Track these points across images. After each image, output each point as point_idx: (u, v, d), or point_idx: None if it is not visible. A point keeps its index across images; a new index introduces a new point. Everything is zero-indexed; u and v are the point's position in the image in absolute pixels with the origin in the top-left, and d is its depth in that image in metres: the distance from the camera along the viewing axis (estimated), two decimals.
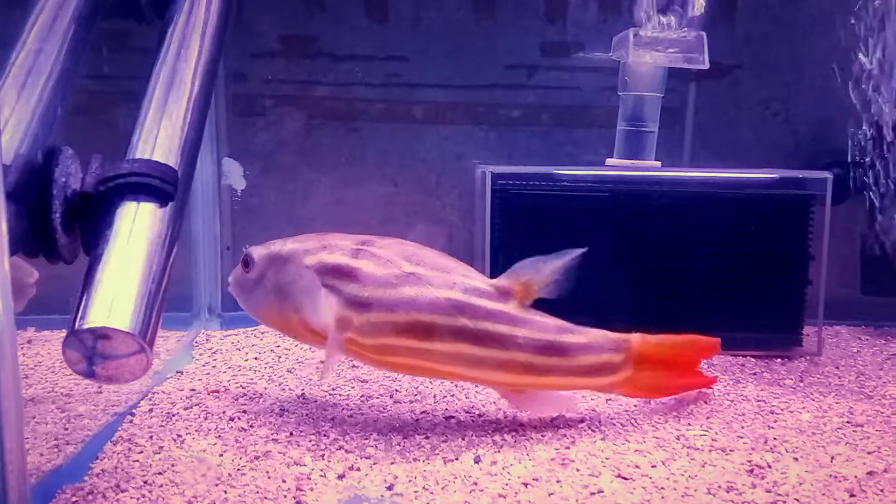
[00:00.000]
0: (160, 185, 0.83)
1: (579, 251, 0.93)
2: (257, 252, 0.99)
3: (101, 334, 0.72)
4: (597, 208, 1.26)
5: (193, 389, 1.10)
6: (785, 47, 1.51)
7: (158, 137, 0.89)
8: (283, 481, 0.82)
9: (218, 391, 1.10)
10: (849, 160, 1.42)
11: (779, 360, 1.27)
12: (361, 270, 0.92)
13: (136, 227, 0.81)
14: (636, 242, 1.26)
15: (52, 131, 0.87)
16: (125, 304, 0.75)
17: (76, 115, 0.98)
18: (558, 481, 0.82)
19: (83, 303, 0.75)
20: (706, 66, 1.27)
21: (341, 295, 0.92)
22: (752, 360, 1.26)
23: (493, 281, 0.94)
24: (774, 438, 0.95)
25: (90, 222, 0.82)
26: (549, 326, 0.94)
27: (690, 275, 1.26)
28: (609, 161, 1.38)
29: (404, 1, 1.52)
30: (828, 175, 1.24)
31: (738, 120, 1.54)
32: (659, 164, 1.36)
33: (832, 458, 0.90)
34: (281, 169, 1.55)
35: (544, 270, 0.93)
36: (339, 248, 0.95)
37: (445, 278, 0.93)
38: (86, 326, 0.72)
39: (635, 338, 0.99)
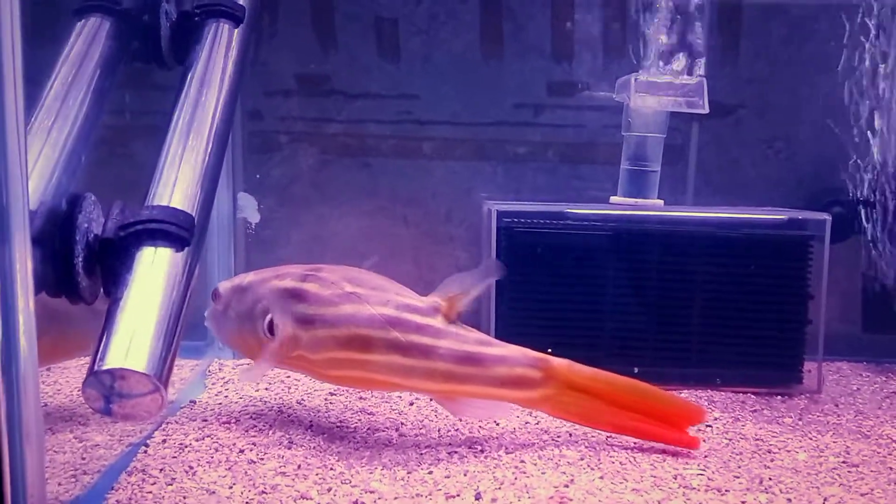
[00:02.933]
0: (177, 232, 0.87)
1: (495, 262, 1.08)
2: (222, 286, 1.13)
3: (119, 375, 0.76)
4: (600, 246, 1.30)
5: (206, 420, 1.14)
6: (787, 88, 1.54)
7: (176, 184, 0.93)
8: None
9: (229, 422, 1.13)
10: (850, 199, 1.44)
11: (779, 396, 1.29)
12: (308, 292, 1.05)
13: (153, 272, 0.85)
14: (638, 279, 1.29)
15: (75, 177, 0.92)
16: (142, 346, 0.79)
17: (96, 148, 1.03)
18: None
19: (102, 345, 0.79)
20: (706, 110, 1.30)
21: (293, 315, 1.04)
22: (753, 396, 1.28)
23: (423, 298, 1.05)
24: (770, 479, 0.97)
25: (110, 266, 0.86)
26: (468, 339, 1.03)
27: (692, 311, 1.29)
28: (613, 199, 1.41)
29: (415, 41, 1.57)
30: (827, 217, 1.27)
31: (740, 158, 1.57)
32: (661, 202, 1.39)
33: (825, 499, 0.91)
34: (294, 202, 1.60)
35: (467, 285, 1.03)
36: (290, 274, 1.08)
37: (381, 296, 1.03)
38: (105, 368, 0.76)
39: (559, 361, 1.03)
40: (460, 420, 1.16)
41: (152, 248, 0.86)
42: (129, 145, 1.48)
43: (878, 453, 1.07)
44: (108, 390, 0.77)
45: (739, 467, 1.00)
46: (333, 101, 1.58)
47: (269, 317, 1.06)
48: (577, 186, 1.60)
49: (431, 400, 1.21)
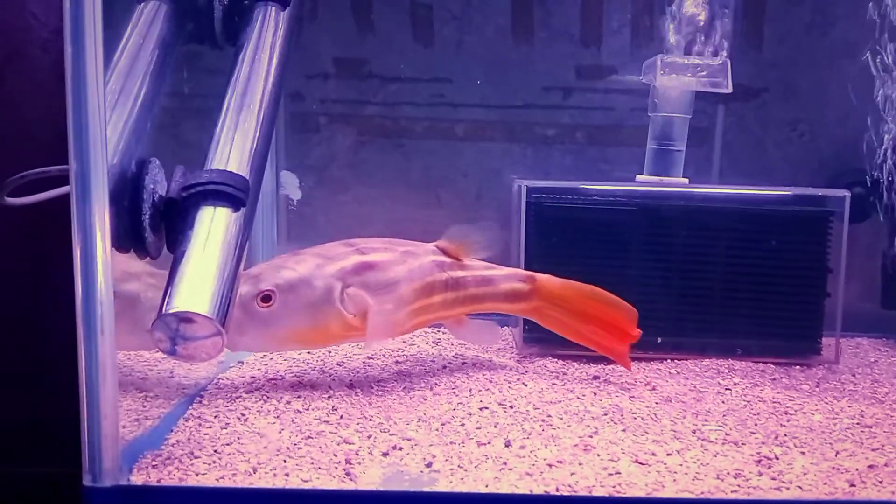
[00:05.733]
0: (234, 192, 0.95)
1: (493, 224, 1.29)
2: (269, 287, 1.09)
3: (185, 318, 0.84)
4: (626, 221, 1.35)
5: (254, 377, 1.22)
6: (810, 71, 1.58)
7: (232, 151, 1.01)
8: (335, 455, 0.93)
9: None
10: (871, 180, 1.48)
11: (798, 367, 1.33)
12: (376, 261, 1.16)
13: (213, 229, 0.93)
14: (663, 253, 1.35)
15: (141, 144, 1.01)
16: (205, 293, 0.87)
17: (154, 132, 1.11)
18: (580, 464, 0.91)
19: (169, 292, 0.87)
20: (729, 90, 1.35)
21: (368, 286, 1.14)
22: (773, 366, 1.33)
23: (436, 245, 1.25)
24: (785, 435, 1.02)
25: (174, 224, 0.94)
26: (478, 266, 1.27)
27: (714, 284, 1.34)
28: (639, 177, 1.47)
29: (448, 26, 1.64)
30: (846, 193, 1.31)
31: (764, 140, 1.62)
32: (686, 180, 1.44)
33: (837, 452, 0.97)
34: (332, 181, 1.67)
35: (471, 237, 1.25)
36: (343, 254, 1.16)
37: (422, 248, 1.23)
38: (171, 311, 0.84)
39: (540, 275, 1.28)
40: (491, 382, 1.23)
41: (211, 208, 0.94)
42: (180, 125, 1.56)
43: (892, 416, 1.11)
44: (173, 332, 0.86)
45: (756, 425, 1.06)
46: (370, 84, 1.65)
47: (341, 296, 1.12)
48: (605, 168, 1.66)
49: (457, 359, 1.33)
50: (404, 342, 1.48)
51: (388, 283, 1.15)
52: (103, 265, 0.81)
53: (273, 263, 1.14)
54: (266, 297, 1.09)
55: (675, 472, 0.89)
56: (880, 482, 0.89)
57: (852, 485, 0.88)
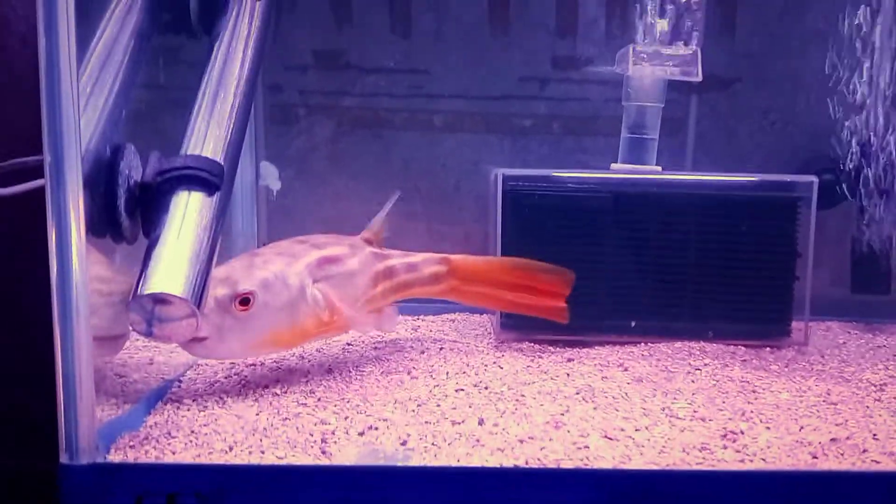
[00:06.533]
0: (208, 178, 0.96)
1: (395, 197, 1.33)
2: (247, 288, 1.03)
3: (160, 299, 0.86)
4: (600, 208, 1.37)
5: (233, 363, 1.23)
6: (782, 61, 1.61)
7: (207, 138, 1.03)
8: (311, 435, 0.94)
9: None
10: (840, 167, 1.51)
11: (768, 349, 1.36)
12: (336, 255, 1.18)
13: (187, 213, 0.94)
14: (636, 240, 1.37)
15: (116, 130, 1.02)
16: (179, 275, 0.88)
17: (130, 121, 1.12)
18: (551, 439, 0.93)
19: (144, 274, 0.88)
20: (699, 78, 1.38)
21: (330, 280, 1.15)
22: (744, 348, 1.35)
23: (363, 237, 1.28)
24: (752, 411, 1.05)
25: (149, 208, 0.96)
26: (398, 254, 1.30)
27: (687, 269, 1.36)
28: (613, 166, 1.49)
29: (426, 17, 1.65)
30: (814, 179, 1.34)
31: (737, 129, 1.65)
32: (659, 168, 1.46)
33: (801, 427, 0.99)
34: (312, 172, 1.69)
35: (377, 222, 1.30)
36: (303, 250, 1.15)
37: (359, 241, 1.26)
38: (146, 292, 0.86)
39: (455, 256, 1.33)
40: (468, 366, 1.24)
41: (186, 192, 0.96)
42: (160, 119, 1.57)
43: (857, 394, 1.14)
44: (148, 314, 0.87)
45: (724, 402, 1.08)
46: (348, 75, 1.67)
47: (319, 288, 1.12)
48: (582, 158, 1.68)
49: (424, 351, 1.33)
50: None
51: (347, 275, 1.17)
52: (78, 251, 0.82)
53: (240, 265, 1.08)
54: (245, 300, 1.03)
55: (643, 446, 0.91)
56: (841, 454, 0.92)
57: (815, 457, 0.90)
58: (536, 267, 1.31)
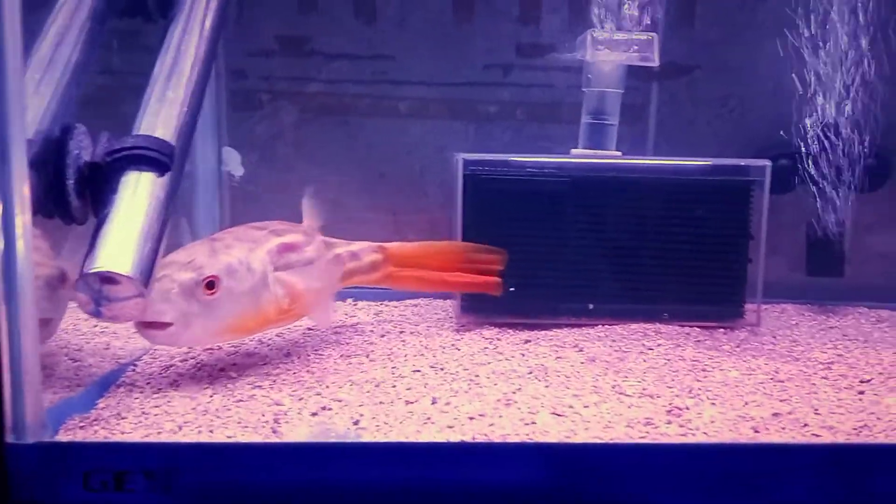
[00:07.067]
0: (158, 157, 0.96)
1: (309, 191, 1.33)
2: (214, 269, 1.02)
3: (107, 277, 0.86)
4: (559, 192, 1.39)
5: (190, 348, 1.23)
6: (740, 49, 1.63)
7: (159, 118, 1.03)
8: (263, 416, 0.95)
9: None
10: (795, 153, 1.54)
11: (722, 330, 1.39)
12: (294, 242, 1.17)
13: (137, 192, 0.94)
14: (594, 223, 1.39)
15: (68, 111, 1.01)
16: (127, 254, 0.89)
17: (88, 106, 1.11)
18: (500, 416, 0.95)
19: (92, 252, 0.88)
20: (657, 64, 1.40)
21: (290, 267, 1.15)
22: (698, 330, 1.38)
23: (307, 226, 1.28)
24: (699, 389, 1.07)
25: (99, 188, 0.95)
26: (342, 242, 1.31)
27: (643, 252, 1.38)
28: (574, 151, 1.50)
29: (390, 4, 1.66)
30: (766, 163, 1.37)
31: (696, 116, 1.67)
32: (619, 154, 1.48)
33: (746, 403, 1.02)
34: (276, 159, 1.69)
35: (312, 210, 1.30)
36: (263, 236, 1.14)
37: (310, 229, 1.26)
38: (93, 270, 0.86)
39: (391, 244, 1.36)
40: (426, 348, 1.25)
41: (137, 172, 0.96)
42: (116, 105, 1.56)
43: (805, 372, 1.17)
44: (96, 293, 0.87)
45: (674, 380, 1.10)
46: (313, 61, 1.67)
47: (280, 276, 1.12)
48: (545, 145, 1.69)
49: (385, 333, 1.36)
50: (346, 314, 1.50)
51: (306, 262, 1.17)
52: (23, 232, 0.81)
53: (202, 249, 1.06)
54: (210, 284, 1.01)
55: (589, 422, 0.93)
56: (783, 428, 0.94)
57: (756, 431, 0.93)
58: (470, 248, 1.35)
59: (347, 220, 1.66)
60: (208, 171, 1.62)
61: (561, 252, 1.38)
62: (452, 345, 1.27)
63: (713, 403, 1.01)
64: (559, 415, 0.95)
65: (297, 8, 1.65)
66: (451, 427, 0.92)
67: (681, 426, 0.93)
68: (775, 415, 0.97)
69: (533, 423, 0.92)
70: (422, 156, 1.70)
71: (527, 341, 1.29)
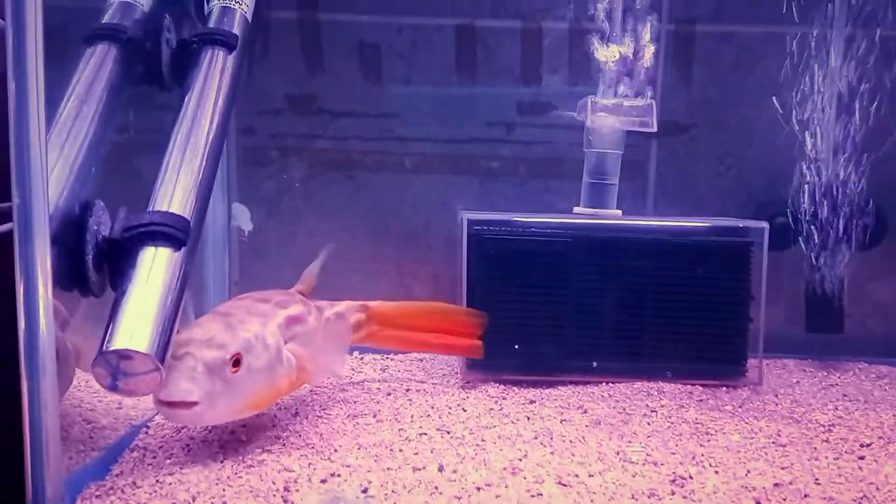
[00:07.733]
0: (174, 233, 0.99)
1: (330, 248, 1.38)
2: (236, 346, 1.01)
3: (124, 355, 0.88)
4: (562, 251, 1.42)
5: None
6: (736, 109, 1.68)
7: (174, 192, 1.06)
8: (274, 483, 0.97)
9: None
10: (793, 211, 1.57)
11: (724, 388, 1.41)
12: (298, 314, 1.19)
13: (153, 269, 0.97)
14: (597, 282, 1.42)
15: (86, 186, 1.05)
16: (144, 331, 0.91)
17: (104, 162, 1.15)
18: (506, 486, 0.96)
19: (110, 330, 0.91)
20: (654, 129, 1.44)
21: (296, 339, 1.16)
22: (700, 388, 1.40)
23: (299, 290, 1.30)
24: (702, 455, 1.09)
25: (116, 263, 0.98)
26: (327, 304, 1.31)
27: (645, 311, 1.41)
28: (575, 209, 1.54)
29: (396, 65, 1.70)
30: (765, 224, 1.40)
31: (695, 173, 1.71)
32: (620, 212, 1.51)
33: (748, 471, 1.03)
34: (284, 213, 1.72)
35: (310, 274, 1.33)
36: (270, 310, 1.15)
37: (303, 298, 1.26)
38: (112, 348, 0.88)
39: (374, 302, 1.37)
40: (433, 408, 1.27)
41: (153, 248, 0.98)
42: (132, 161, 1.60)
43: (806, 435, 1.18)
44: (114, 369, 0.89)
45: (677, 446, 1.12)
46: (321, 119, 1.71)
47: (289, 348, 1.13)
48: (546, 199, 1.73)
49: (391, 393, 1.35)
50: (352, 370, 1.52)
51: (309, 334, 1.18)
52: (45, 306, 0.84)
53: (218, 326, 1.04)
54: (236, 362, 1.01)
55: (594, 493, 0.95)
56: (784, 499, 0.96)
57: (758, 502, 0.94)
58: (450, 309, 1.39)
59: (353, 271, 1.71)
60: (218, 228, 1.65)
61: (564, 310, 1.41)
62: (458, 405, 1.29)
63: (716, 472, 1.03)
64: (565, 485, 0.97)
65: (306, 68, 1.70)
66: (458, 497, 0.93)
67: (684, 497, 0.95)
68: (777, 485, 0.99)
69: (539, 494, 0.94)
70: (426, 210, 1.74)
71: (531, 401, 1.31)
